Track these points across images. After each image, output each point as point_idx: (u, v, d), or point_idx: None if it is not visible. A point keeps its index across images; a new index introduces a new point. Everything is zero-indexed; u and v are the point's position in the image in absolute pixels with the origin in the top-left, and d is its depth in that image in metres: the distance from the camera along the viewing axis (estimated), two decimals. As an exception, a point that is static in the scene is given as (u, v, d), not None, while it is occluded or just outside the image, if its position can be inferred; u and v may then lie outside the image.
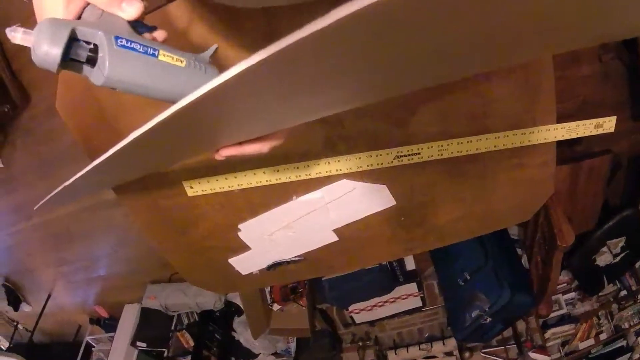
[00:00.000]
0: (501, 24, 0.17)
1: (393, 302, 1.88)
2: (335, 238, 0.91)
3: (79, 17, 0.31)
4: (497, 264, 1.49)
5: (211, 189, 0.80)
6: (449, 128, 0.76)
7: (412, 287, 1.92)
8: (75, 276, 2.40)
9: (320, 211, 0.85)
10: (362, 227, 0.90)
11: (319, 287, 1.60)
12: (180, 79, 0.31)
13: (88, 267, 2.34)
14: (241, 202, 0.82)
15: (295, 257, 0.93)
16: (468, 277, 1.53)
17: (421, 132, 0.76)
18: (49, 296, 2.56)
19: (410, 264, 1.82)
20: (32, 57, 0.28)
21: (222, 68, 0.22)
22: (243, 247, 0.91)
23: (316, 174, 0.78)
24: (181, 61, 0.31)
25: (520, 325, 2.19)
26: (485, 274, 1.49)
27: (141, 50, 0.30)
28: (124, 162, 0.35)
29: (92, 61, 0.30)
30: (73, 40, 0.29)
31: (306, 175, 0.78)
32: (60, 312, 2.67)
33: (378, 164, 0.80)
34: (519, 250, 1.73)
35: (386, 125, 0.77)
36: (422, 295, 2.03)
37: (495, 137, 0.78)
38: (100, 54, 0.29)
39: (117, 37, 0.29)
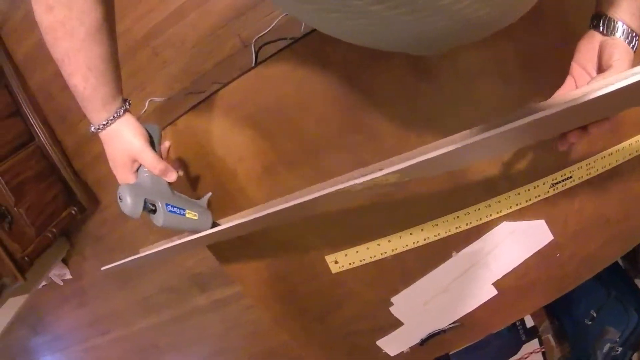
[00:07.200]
0: None
1: (516, 363, 1.69)
2: (494, 292, 0.79)
3: (137, 170, 0.57)
4: (619, 292, 1.47)
5: (360, 260, 0.71)
6: (594, 143, 0.72)
7: (534, 344, 1.83)
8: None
9: (480, 264, 0.74)
10: (521, 273, 0.79)
11: (446, 362, 1.43)
12: (195, 224, 0.60)
13: (182, 383, 2.15)
14: (394, 270, 0.72)
15: (451, 323, 0.81)
16: (595, 315, 1.51)
17: (569, 151, 0.73)
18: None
19: (529, 321, 1.74)
20: (121, 208, 0.53)
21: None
22: (394, 324, 0.79)
23: (477, 220, 0.69)
24: (195, 215, 0.59)
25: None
26: (610, 305, 1.48)
27: (178, 212, 0.57)
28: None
29: (153, 211, 0.56)
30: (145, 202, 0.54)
31: (467, 224, 0.69)
32: None
33: (536, 197, 0.72)
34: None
35: (541, 152, 0.70)
36: (543, 350, 1.90)
37: (629, 145, 0.75)
38: (158, 206, 0.55)
39: (167, 204, 0.56)
